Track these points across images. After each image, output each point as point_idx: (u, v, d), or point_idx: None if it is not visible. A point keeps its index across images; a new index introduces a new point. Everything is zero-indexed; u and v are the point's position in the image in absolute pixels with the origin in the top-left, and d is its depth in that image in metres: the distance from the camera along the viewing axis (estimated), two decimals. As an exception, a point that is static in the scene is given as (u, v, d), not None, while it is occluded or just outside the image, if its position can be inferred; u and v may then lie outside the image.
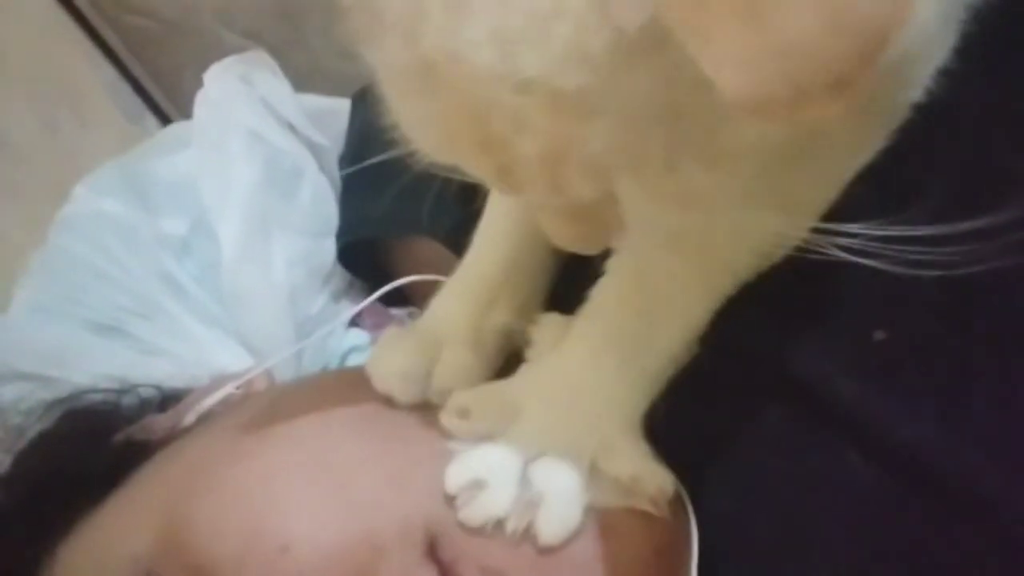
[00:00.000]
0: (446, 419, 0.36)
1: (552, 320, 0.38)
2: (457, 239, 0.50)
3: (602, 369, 0.35)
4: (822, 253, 0.29)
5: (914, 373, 0.34)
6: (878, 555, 0.35)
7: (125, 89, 0.82)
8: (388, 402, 0.39)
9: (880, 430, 0.34)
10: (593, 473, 0.34)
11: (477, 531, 0.33)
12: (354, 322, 0.59)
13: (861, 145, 0.32)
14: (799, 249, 0.31)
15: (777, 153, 0.26)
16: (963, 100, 0.30)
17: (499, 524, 0.33)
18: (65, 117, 0.72)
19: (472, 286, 0.41)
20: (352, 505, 0.34)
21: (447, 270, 0.51)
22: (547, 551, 0.33)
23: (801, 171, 0.31)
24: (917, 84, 0.28)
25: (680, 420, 0.35)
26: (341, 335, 0.57)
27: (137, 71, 0.83)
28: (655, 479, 0.35)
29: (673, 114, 0.22)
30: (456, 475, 0.34)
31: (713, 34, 0.20)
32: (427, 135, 0.27)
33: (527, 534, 0.33)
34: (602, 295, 0.36)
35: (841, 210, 0.32)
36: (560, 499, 0.33)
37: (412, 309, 0.59)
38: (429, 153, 0.27)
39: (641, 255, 0.34)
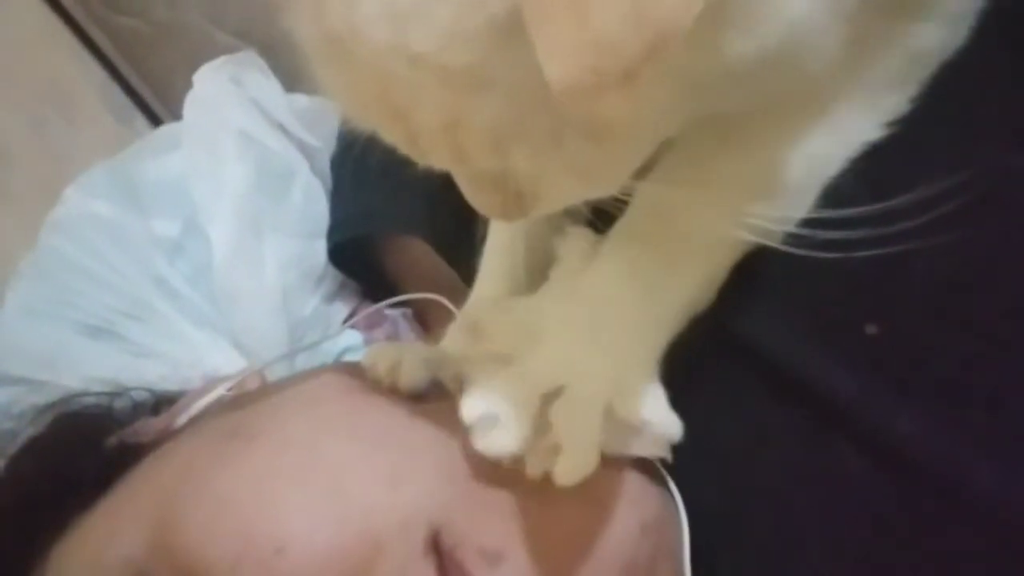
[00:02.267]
0: (460, 336, 0.36)
1: (580, 235, 0.37)
2: (444, 238, 0.50)
3: (627, 297, 0.34)
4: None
5: (907, 367, 0.34)
6: (871, 550, 0.35)
7: (115, 90, 0.81)
8: (381, 395, 0.39)
9: (873, 424, 0.34)
10: (607, 415, 0.33)
11: (483, 508, 0.34)
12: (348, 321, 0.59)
13: (774, 132, 0.33)
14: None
15: (663, 130, 0.28)
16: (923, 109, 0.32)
17: (516, 460, 0.33)
18: (54, 119, 0.72)
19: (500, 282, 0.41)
20: (347, 504, 0.34)
21: (436, 269, 0.52)
22: (540, 526, 0.34)
23: (720, 152, 0.33)
24: (814, 69, 0.29)
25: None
26: (336, 338, 0.57)
27: (127, 72, 0.82)
28: (664, 426, 0.34)
29: (551, 92, 0.23)
30: (472, 405, 0.33)
31: (546, 25, 0.21)
32: (346, 102, 0.28)
33: (545, 477, 0.33)
34: (629, 224, 0.35)
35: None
36: (578, 446, 0.32)
37: (405, 310, 0.59)
38: (351, 118, 0.29)
39: (668, 188, 0.34)
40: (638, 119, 0.26)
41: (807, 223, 0.32)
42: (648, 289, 0.34)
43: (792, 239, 0.32)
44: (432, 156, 0.28)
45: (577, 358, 0.33)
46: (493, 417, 0.33)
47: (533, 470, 0.33)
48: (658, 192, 0.33)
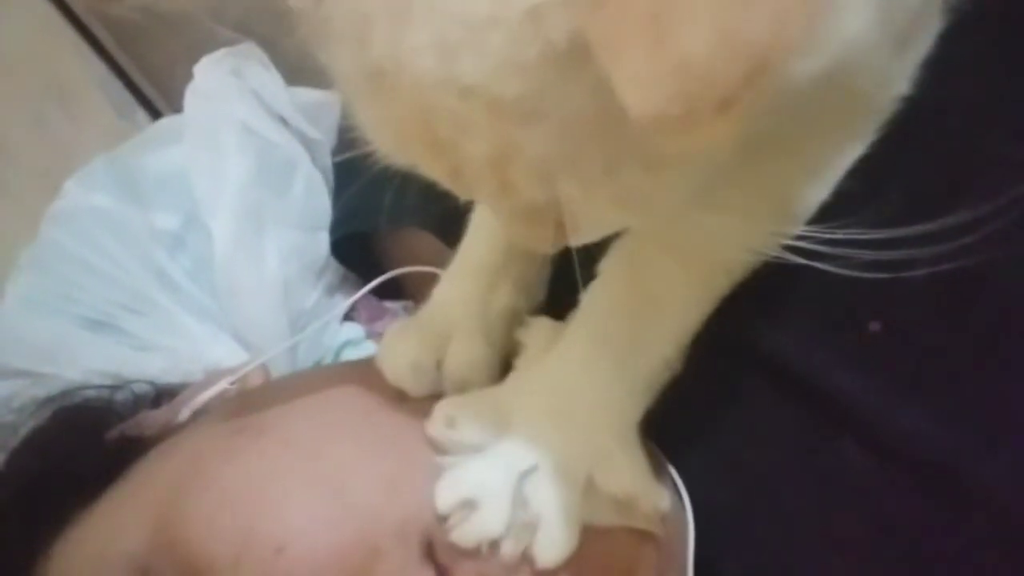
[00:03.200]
0: (432, 429, 0.35)
1: (542, 324, 0.38)
2: (450, 230, 0.50)
3: (595, 374, 0.34)
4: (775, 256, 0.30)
5: (910, 364, 0.34)
6: (875, 545, 0.35)
7: (115, 84, 0.81)
8: (386, 399, 0.38)
9: (877, 421, 0.34)
10: (588, 488, 0.33)
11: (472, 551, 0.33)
12: (349, 316, 0.58)
13: (814, 151, 0.32)
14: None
15: (720, 159, 0.27)
16: (924, 104, 0.31)
17: (494, 545, 0.32)
18: (55, 112, 0.72)
19: (473, 271, 0.41)
20: (348, 506, 0.33)
21: (440, 262, 0.51)
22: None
23: (759, 182, 0.32)
24: (863, 89, 0.29)
25: (675, 413, 0.35)
26: (336, 329, 0.57)
27: (127, 66, 0.82)
28: (650, 498, 0.34)
29: (609, 121, 0.23)
30: (446, 495, 0.33)
31: (622, 52, 0.20)
32: (383, 137, 0.27)
33: (524, 557, 0.32)
34: (594, 298, 0.35)
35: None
36: (557, 521, 0.32)
37: (407, 303, 0.59)
38: (387, 154, 0.28)
39: (634, 256, 0.34)
40: (705, 148, 0.25)
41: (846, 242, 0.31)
42: (619, 358, 0.34)
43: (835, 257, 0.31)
44: (478, 189, 0.27)
45: (550, 435, 0.33)
46: (470, 503, 0.32)
47: (510, 551, 0.32)
48: (628, 257, 0.33)
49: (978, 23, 0.32)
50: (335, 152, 0.62)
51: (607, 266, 0.35)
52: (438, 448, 0.35)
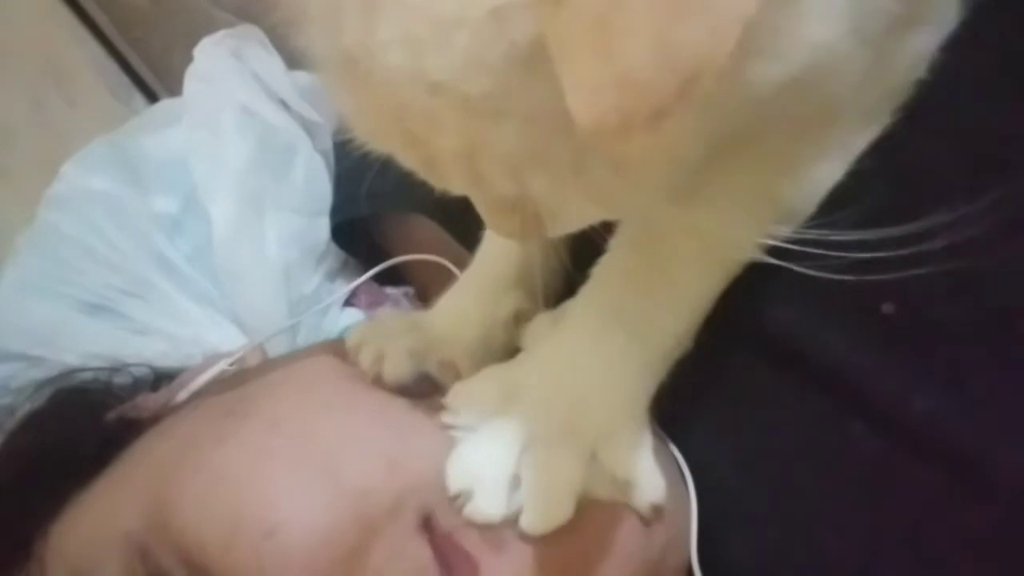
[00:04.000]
0: (445, 409, 0.36)
1: (542, 320, 0.38)
2: (450, 216, 0.50)
3: (605, 349, 0.34)
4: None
5: (923, 346, 0.34)
6: (886, 529, 0.34)
7: (113, 68, 0.81)
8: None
9: (889, 404, 0.34)
10: (592, 462, 0.33)
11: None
12: (349, 301, 0.58)
13: (792, 152, 0.33)
14: None
15: (689, 159, 0.27)
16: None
17: (502, 520, 0.33)
18: (53, 97, 0.71)
19: (480, 287, 0.41)
20: (340, 485, 0.33)
21: (441, 248, 0.51)
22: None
23: (744, 178, 0.32)
24: (837, 92, 0.29)
25: (684, 394, 0.35)
26: (336, 315, 0.56)
27: (125, 51, 0.82)
28: (647, 488, 0.34)
29: (572, 122, 0.22)
30: (454, 473, 0.33)
31: (571, 58, 0.21)
32: (361, 126, 0.28)
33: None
34: (605, 272, 0.35)
35: None
36: (554, 492, 0.33)
37: (407, 288, 0.58)
38: (366, 141, 0.28)
39: (647, 233, 0.34)
40: (663, 152, 0.25)
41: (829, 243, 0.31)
42: (631, 334, 0.34)
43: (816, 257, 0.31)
44: (450, 181, 0.27)
45: (559, 408, 0.34)
46: (479, 482, 0.33)
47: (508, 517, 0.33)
48: (640, 232, 0.33)
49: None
50: (336, 135, 0.61)
51: (618, 241, 0.34)
52: (449, 422, 0.35)
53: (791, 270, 0.33)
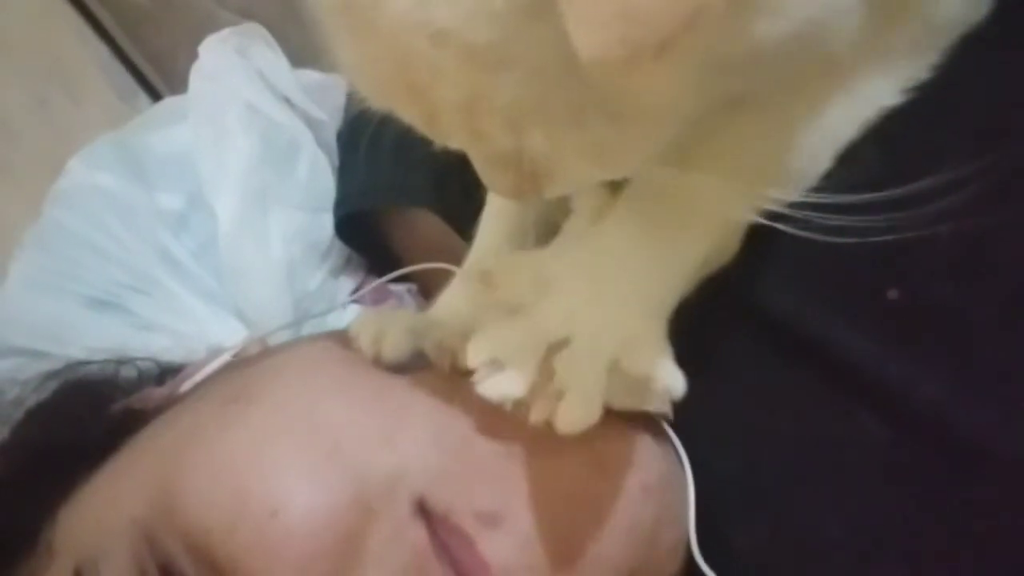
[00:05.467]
0: (468, 280, 0.36)
1: (594, 191, 0.36)
2: (454, 210, 0.50)
3: (637, 256, 0.34)
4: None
5: (930, 332, 0.34)
6: (889, 515, 0.34)
7: (117, 67, 0.81)
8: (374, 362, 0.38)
9: (896, 390, 0.34)
10: (613, 369, 0.33)
11: (478, 472, 0.33)
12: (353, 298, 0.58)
13: (801, 111, 0.33)
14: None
15: (688, 114, 0.27)
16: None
17: (518, 405, 0.32)
18: (57, 95, 0.71)
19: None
20: (340, 467, 0.34)
21: (445, 242, 0.51)
22: (538, 488, 0.34)
23: (742, 142, 0.32)
24: (838, 47, 0.29)
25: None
26: (341, 311, 0.57)
27: (129, 50, 0.82)
28: (667, 379, 0.33)
29: (574, 71, 0.23)
30: (477, 349, 0.33)
31: None
32: (362, 79, 0.28)
33: (546, 423, 0.32)
34: (644, 181, 0.34)
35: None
36: (582, 393, 0.32)
37: (410, 285, 0.59)
38: (367, 96, 0.28)
39: (681, 172, 0.33)
40: (663, 98, 0.26)
41: (821, 206, 0.31)
42: (660, 245, 0.34)
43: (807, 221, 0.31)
44: (450, 135, 0.27)
45: (586, 310, 0.33)
46: (498, 362, 0.32)
47: (537, 416, 0.32)
48: (670, 175, 0.32)
49: None
50: (340, 133, 0.62)
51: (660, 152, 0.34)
52: (474, 304, 0.35)
53: (794, 256, 0.33)
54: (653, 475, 0.36)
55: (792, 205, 0.30)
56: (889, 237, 0.30)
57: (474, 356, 0.33)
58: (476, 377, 0.32)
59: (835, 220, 0.29)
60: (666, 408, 0.35)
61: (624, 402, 0.34)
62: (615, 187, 0.36)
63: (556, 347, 0.32)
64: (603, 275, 0.34)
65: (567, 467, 0.35)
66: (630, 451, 0.36)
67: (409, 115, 0.28)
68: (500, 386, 0.32)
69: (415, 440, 0.35)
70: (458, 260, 0.48)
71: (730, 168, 0.32)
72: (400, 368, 0.38)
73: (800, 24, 0.25)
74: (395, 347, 0.38)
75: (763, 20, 0.24)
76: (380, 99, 0.28)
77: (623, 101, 0.25)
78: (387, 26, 0.24)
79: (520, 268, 0.35)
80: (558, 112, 0.25)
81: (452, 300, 0.42)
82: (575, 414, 0.32)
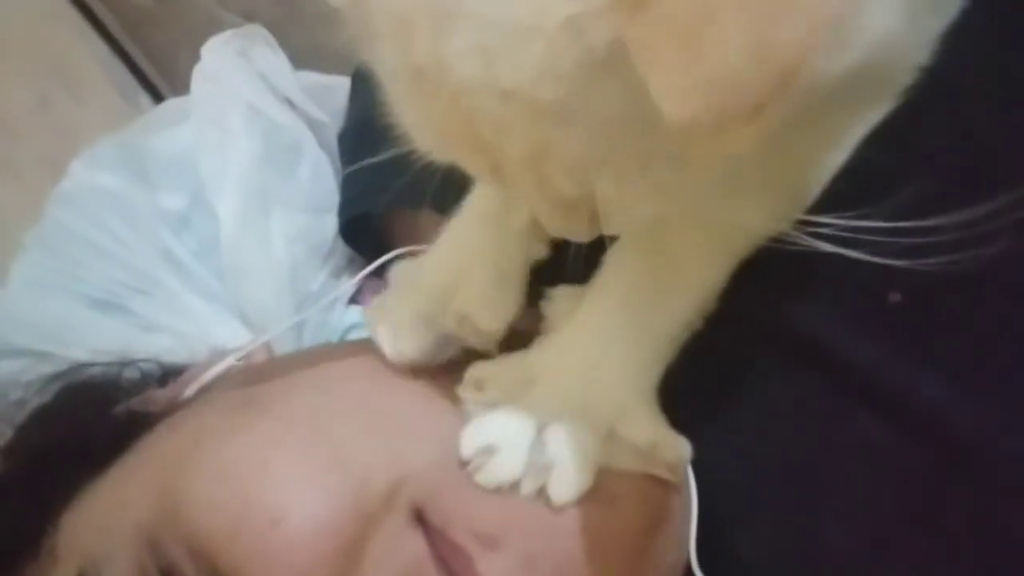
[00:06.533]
0: (462, 391, 0.36)
1: (564, 293, 0.38)
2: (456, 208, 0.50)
3: (617, 335, 0.35)
4: (798, 243, 0.31)
5: (933, 335, 0.34)
6: (892, 519, 0.35)
7: (119, 67, 0.81)
8: (391, 376, 0.38)
9: (897, 393, 0.34)
10: (611, 438, 0.34)
11: (478, 495, 0.34)
12: (355, 299, 0.58)
13: (837, 137, 0.33)
14: (777, 240, 0.32)
15: (749, 152, 0.27)
16: (947, 94, 0.31)
17: (513, 487, 0.34)
18: (59, 95, 0.71)
19: (480, 216, 0.40)
20: (342, 478, 0.34)
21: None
22: (538, 512, 0.34)
23: (780, 163, 0.32)
24: (885, 70, 0.30)
25: (690, 385, 0.35)
26: (342, 312, 0.57)
27: (131, 50, 0.82)
28: (673, 446, 0.35)
29: (642, 123, 0.23)
30: (470, 440, 0.34)
31: (659, 60, 0.21)
32: (425, 135, 0.28)
33: (540, 495, 0.34)
34: (615, 261, 0.36)
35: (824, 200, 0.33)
36: (573, 461, 0.33)
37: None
38: (428, 151, 0.29)
39: (654, 225, 0.34)
40: (738, 150, 0.25)
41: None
42: (641, 322, 0.35)
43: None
44: (517, 185, 0.28)
45: (573, 390, 0.34)
46: (491, 448, 0.34)
47: (527, 488, 0.34)
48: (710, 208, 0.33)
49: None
50: (342, 134, 0.62)
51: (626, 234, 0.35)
52: (466, 406, 0.36)
53: (795, 259, 0.34)
54: (661, 512, 0.36)
55: (843, 230, 0.30)
56: (940, 262, 0.30)
57: (466, 446, 0.34)
58: (471, 467, 0.34)
59: (841, 232, 0.29)
60: (678, 476, 0.36)
61: (630, 464, 0.35)
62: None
63: (546, 425, 0.34)
64: (584, 359, 0.35)
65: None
66: (632, 476, 0.36)
67: (473, 167, 0.28)
68: (495, 471, 0.34)
69: (419, 454, 0.35)
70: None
71: (765, 187, 0.33)
72: (429, 359, 0.38)
73: (861, 57, 0.25)
74: (416, 344, 0.38)
75: (830, 57, 0.24)
76: (443, 153, 0.28)
77: (693, 150, 0.25)
78: (453, 86, 0.24)
79: (506, 370, 0.36)
80: (624, 161, 0.26)
81: (446, 251, 0.41)
82: (564, 485, 0.33)
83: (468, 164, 0.28)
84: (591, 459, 0.34)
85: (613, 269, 0.36)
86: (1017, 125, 0.34)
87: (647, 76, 0.21)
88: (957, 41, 0.31)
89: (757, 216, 0.33)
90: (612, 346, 0.35)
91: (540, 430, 0.34)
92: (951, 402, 0.33)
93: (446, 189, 0.50)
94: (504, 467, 0.33)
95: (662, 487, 0.36)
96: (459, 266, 0.39)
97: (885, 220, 0.29)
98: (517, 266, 0.39)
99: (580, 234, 0.30)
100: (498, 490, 0.33)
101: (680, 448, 0.35)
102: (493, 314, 0.37)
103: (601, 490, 0.34)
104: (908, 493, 0.34)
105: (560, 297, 0.38)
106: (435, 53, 0.24)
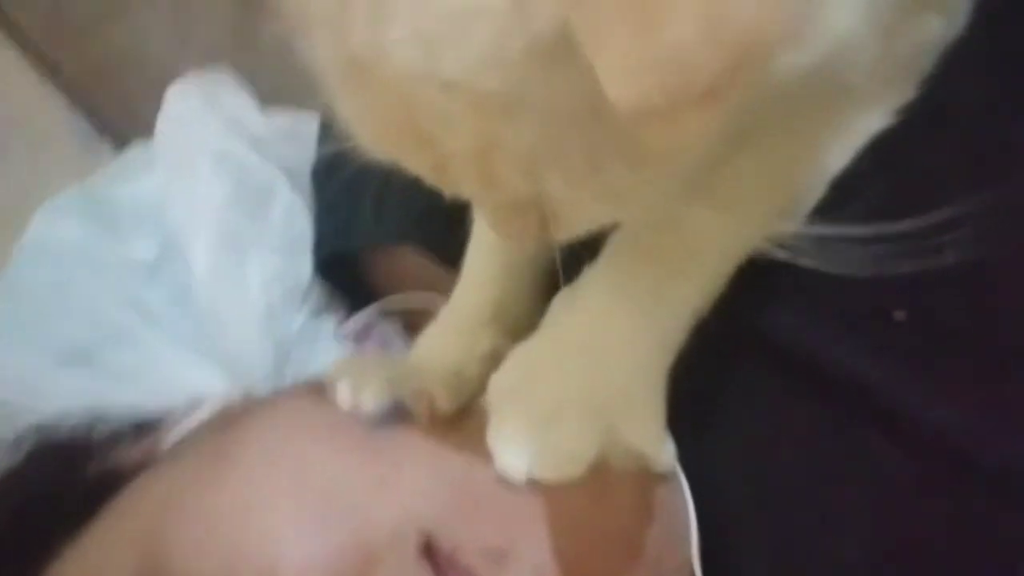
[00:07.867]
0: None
1: (563, 296, 0.37)
2: (436, 243, 0.49)
3: (621, 321, 0.33)
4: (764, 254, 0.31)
5: (938, 354, 0.34)
6: (896, 539, 0.34)
7: (79, 118, 0.79)
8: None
9: (902, 411, 0.34)
10: (609, 432, 0.34)
11: (480, 511, 0.34)
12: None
13: (804, 144, 0.32)
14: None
15: (704, 154, 0.26)
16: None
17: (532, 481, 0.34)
18: (17, 146, 0.70)
19: (458, 324, 0.41)
20: (336, 519, 0.33)
21: (427, 276, 0.50)
22: (542, 521, 0.34)
23: (756, 172, 0.32)
24: (851, 82, 0.29)
25: (692, 403, 0.35)
26: (326, 348, 0.56)
27: (91, 100, 0.81)
28: (656, 459, 0.35)
29: (592, 116, 0.22)
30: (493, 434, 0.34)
31: (605, 42, 0.20)
32: (365, 130, 0.27)
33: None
34: (619, 244, 0.34)
35: None
36: (569, 458, 0.33)
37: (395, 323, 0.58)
38: (369, 148, 0.27)
39: (689, 210, 0.33)
40: (691, 143, 0.25)
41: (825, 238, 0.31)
42: (646, 305, 0.34)
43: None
44: (462, 183, 0.26)
45: (576, 381, 0.34)
46: (506, 439, 0.34)
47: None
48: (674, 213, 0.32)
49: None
50: (315, 172, 0.61)
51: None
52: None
53: (797, 276, 0.33)
54: (656, 503, 0.36)
55: (795, 237, 0.30)
56: (898, 271, 0.30)
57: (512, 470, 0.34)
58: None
59: (841, 251, 0.29)
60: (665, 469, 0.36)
61: (626, 463, 0.35)
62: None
63: (550, 417, 0.34)
64: (587, 347, 0.34)
65: (571, 498, 0.34)
66: (632, 480, 0.35)
67: (416, 166, 0.27)
68: (511, 466, 0.34)
69: (414, 480, 0.34)
70: (444, 293, 0.47)
71: (730, 202, 0.32)
72: (381, 420, 0.37)
73: (820, 58, 0.24)
74: (375, 398, 0.37)
75: (786, 56, 0.23)
76: (384, 150, 0.27)
77: (647, 146, 0.24)
78: (393, 77, 0.23)
79: (512, 369, 0.36)
80: (574, 158, 0.25)
81: (434, 342, 0.41)
82: (551, 463, 0.33)
83: (410, 162, 0.27)
84: (586, 455, 0.33)
85: (616, 251, 0.34)
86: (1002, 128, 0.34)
87: (593, 59, 0.20)
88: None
89: (740, 226, 0.32)
90: (616, 332, 0.34)
91: (543, 425, 0.34)
92: (961, 423, 0.33)
93: (422, 221, 0.50)
94: (518, 462, 0.34)
95: (649, 478, 0.36)
96: (431, 352, 0.40)
97: (848, 227, 0.29)
98: (480, 357, 0.40)
99: (530, 239, 0.29)
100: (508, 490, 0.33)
101: (664, 461, 0.35)
102: (452, 397, 0.38)
103: (595, 484, 0.34)
104: (913, 513, 0.34)
105: (560, 299, 0.37)
106: (373, 41, 0.23)
